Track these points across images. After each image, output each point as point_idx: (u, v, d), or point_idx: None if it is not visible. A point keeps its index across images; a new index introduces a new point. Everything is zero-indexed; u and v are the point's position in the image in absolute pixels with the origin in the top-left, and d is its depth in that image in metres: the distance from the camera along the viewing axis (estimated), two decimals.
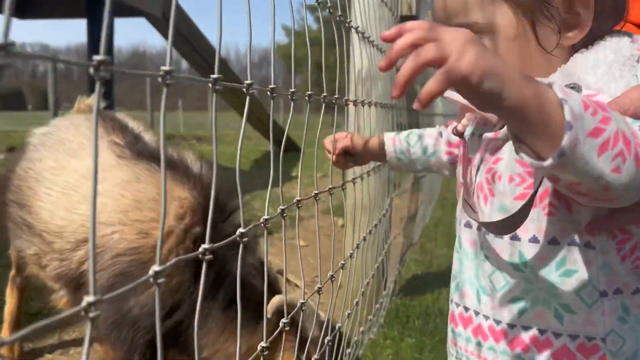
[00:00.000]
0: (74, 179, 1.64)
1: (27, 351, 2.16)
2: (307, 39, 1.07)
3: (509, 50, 0.72)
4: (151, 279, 0.54)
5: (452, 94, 0.77)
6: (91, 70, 0.41)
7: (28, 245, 1.73)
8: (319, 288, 1.16)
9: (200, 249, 0.62)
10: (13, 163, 1.92)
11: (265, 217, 0.83)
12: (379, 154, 1.16)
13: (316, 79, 1.65)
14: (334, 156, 1.13)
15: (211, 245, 0.63)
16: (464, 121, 0.86)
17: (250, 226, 0.79)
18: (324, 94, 1.09)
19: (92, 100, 2.09)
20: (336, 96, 1.16)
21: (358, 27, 1.80)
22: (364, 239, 1.69)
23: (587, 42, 0.70)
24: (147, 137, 1.84)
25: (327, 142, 1.16)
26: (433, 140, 1.10)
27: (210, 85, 0.61)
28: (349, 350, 1.87)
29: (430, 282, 2.94)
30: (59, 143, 1.79)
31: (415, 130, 1.15)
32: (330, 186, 1.15)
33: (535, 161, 0.51)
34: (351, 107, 1.81)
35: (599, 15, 0.69)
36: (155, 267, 0.53)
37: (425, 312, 2.49)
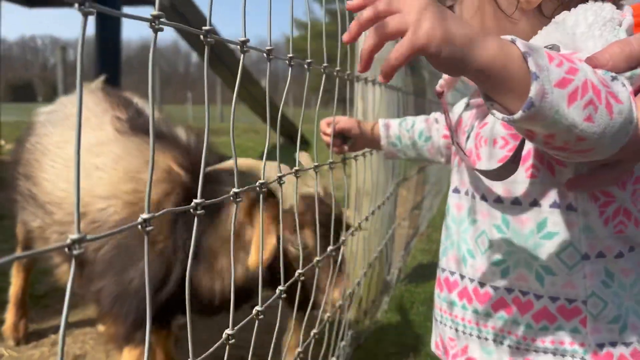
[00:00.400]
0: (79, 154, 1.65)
1: (31, 332, 2.17)
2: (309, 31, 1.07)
3: (475, 17, 0.74)
4: (139, 227, 0.55)
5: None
6: (76, 5, 0.41)
7: (33, 218, 1.75)
8: (317, 261, 1.17)
9: (192, 204, 0.62)
10: (22, 138, 1.95)
11: (262, 181, 0.83)
12: (374, 140, 1.15)
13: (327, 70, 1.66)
14: (330, 137, 1.12)
15: (203, 200, 0.63)
16: (441, 81, 0.86)
17: (246, 188, 0.79)
18: (324, 64, 1.08)
19: (95, 84, 2.09)
20: (337, 68, 1.15)
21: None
22: (366, 219, 1.69)
23: (570, 6, 0.70)
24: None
25: (324, 123, 1.16)
26: (428, 125, 1.10)
27: (202, 37, 0.61)
28: (350, 332, 1.88)
29: (435, 271, 2.92)
30: (64, 119, 1.81)
31: (410, 117, 1.15)
32: (331, 160, 1.15)
33: (507, 116, 0.51)
34: (359, 99, 1.80)
35: None
36: (144, 215, 0.54)
37: (430, 299, 2.47)
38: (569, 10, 0.69)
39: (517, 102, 0.49)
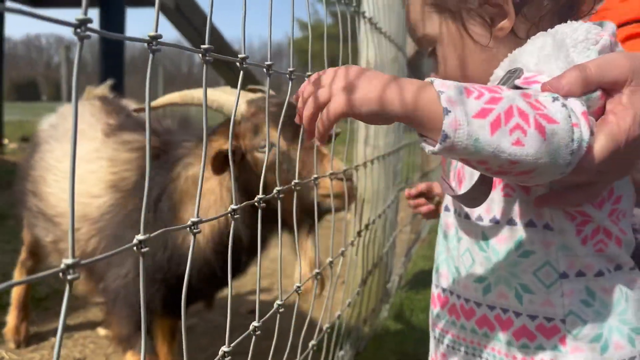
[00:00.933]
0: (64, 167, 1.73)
1: (32, 334, 2.18)
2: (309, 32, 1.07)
3: (455, 53, 0.75)
4: (135, 248, 0.56)
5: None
6: (72, 29, 0.42)
7: (45, 233, 1.79)
8: (317, 273, 1.17)
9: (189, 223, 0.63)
10: (29, 154, 2.00)
11: (260, 196, 0.83)
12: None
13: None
14: (414, 200, 1.12)
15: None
16: None
17: (243, 204, 0.80)
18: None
19: (100, 90, 2.17)
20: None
21: (371, 17, 1.80)
22: (367, 228, 1.69)
23: (545, 27, 0.70)
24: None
25: (406, 191, 1.17)
26: None
27: (200, 55, 0.61)
28: (349, 340, 1.88)
29: None
30: (64, 133, 1.85)
31: None
32: (331, 171, 1.16)
33: (431, 148, 0.54)
34: None
35: (525, 3, 0.70)
36: (140, 237, 0.54)
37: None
38: (546, 30, 0.70)
39: (437, 136, 0.53)
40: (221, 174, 1.35)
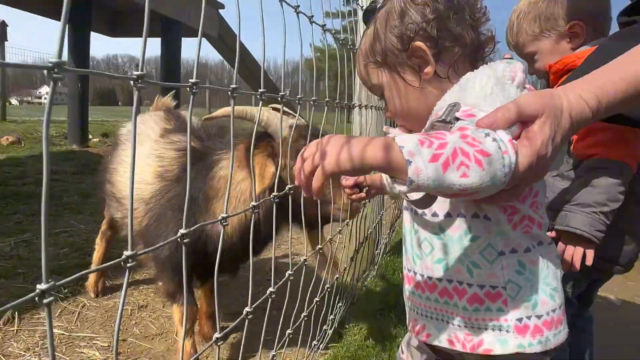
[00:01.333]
0: (137, 159, 1.71)
1: (107, 287, 2.20)
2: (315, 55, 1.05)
3: (397, 94, 0.77)
4: (179, 239, 0.54)
5: (391, 131, 0.82)
6: (131, 82, 0.40)
7: (115, 211, 1.84)
8: (320, 248, 1.16)
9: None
10: (109, 152, 2.03)
11: (290, 185, 0.82)
12: (381, 187, 1.08)
13: (334, 85, 1.67)
14: (350, 190, 1.06)
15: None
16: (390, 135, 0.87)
17: (260, 201, 0.78)
18: (327, 99, 1.07)
19: (167, 99, 2.18)
20: (337, 100, 1.13)
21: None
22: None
23: (458, 68, 0.73)
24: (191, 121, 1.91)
25: (343, 180, 1.10)
26: None
27: (229, 92, 0.63)
28: (345, 294, 1.87)
29: None
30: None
31: None
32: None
33: (402, 188, 0.55)
34: (356, 108, 1.78)
35: (443, 50, 0.72)
36: (182, 230, 0.53)
37: None
38: (461, 68, 0.72)
39: (405, 179, 0.53)
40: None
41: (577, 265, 1.02)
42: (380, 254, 2.56)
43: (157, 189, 1.56)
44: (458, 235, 0.74)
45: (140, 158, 1.63)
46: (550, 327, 0.72)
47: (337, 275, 1.42)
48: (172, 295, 1.51)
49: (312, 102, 0.93)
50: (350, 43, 1.25)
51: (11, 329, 1.76)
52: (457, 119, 0.62)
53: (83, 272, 0.38)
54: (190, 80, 0.47)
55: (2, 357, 1.59)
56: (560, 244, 1.05)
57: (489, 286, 0.72)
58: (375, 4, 0.80)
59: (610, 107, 0.60)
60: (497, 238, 0.71)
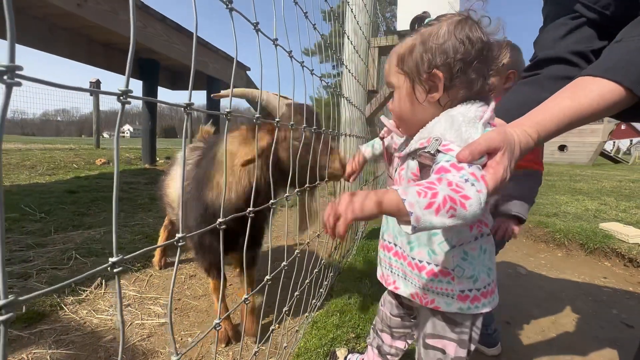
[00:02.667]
0: (179, 174, 1.61)
1: (169, 262, 2.14)
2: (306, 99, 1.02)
3: (403, 99, 0.69)
4: (217, 225, 0.50)
5: (384, 120, 0.75)
6: (116, 98, 0.33)
7: (171, 214, 1.73)
8: (318, 234, 1.13)
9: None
10: (166, 170, 1.89)
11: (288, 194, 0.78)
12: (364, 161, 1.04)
13: (326, 123, 1.64)
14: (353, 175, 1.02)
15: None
16: (382, 132, 0.83)
17: (277, 200, 0.75)
18: (323, 129, 1.05)
19: (208, 127, 1.92)
20: (329, 130, 1.11)
21: (347, 96, 1.77)
22: None
23: (453, 103, 0.65)
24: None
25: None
26: (378, 143, 1.01)
27: (225, 116, 0.56)
28: (334, 268, 1.84)
29: None
30: (181, 160, 1.74)
31: (371, 142, 1.05)
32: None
33: (408, 228, 0.51)
34: (342, 137, 1.75)
35: (452, 87, 0.64)
36: (220, 219, 0.50)
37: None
38: (453, 105, 0.65)
39: (408, 222, 0.50)
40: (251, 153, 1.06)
41: (515, 236, 1.09)
42: (359, 239, 2.53)
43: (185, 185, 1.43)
44: None
45: (178, 174, 1.55)
46: (486, 296, 0.70)
47: (318, 229, 1.19)
48: (207, 271, 1.39)
49: (306, 129, 0.90)
50: (338, 91, 1.24)
51: (100, 291, 1.71)
52: (439, 151, 0.59)
53: (143, 249, 0.35)
54: (185, 102, 0.43)
55: (93, 312, 1.54)
56: (498, 222, 1.09)
57: (442, 267, 0.70)
58: (426, 15, 0.68)
59: (546, 137, 0.59)
60: (452, 235, 0.69)
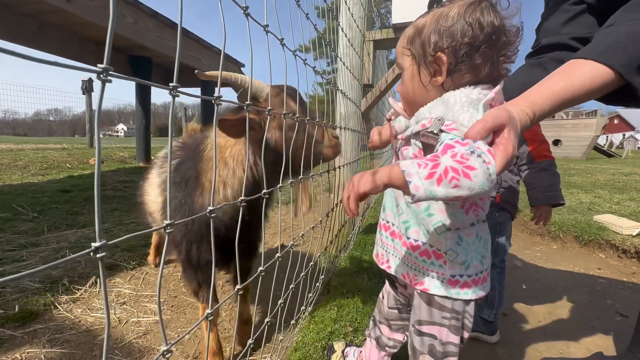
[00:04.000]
0: (154, 183, 1.38)
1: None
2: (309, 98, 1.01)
3: (410, 80, 0.69)
4: (207, 214, 0.49)
5: (392, 102, 0.73)
6: (95, 75, 0.31)
7: (150, 222, 1.39)
8: (313, 226, 1.12)
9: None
10: (144, 177, 1.57)
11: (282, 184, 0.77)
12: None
13: (324, 117, 1.63)
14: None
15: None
16: (389, 114, 0.82)
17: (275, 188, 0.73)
18: (325, 121, 1.04)
19: (194, 123, 1.73)
20: (326, 121, 1.10)
21: (343, 90, 1.75)
22: (336, 205, 1.64)
23: (457, 87, 0.64)
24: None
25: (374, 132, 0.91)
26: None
27: (213, 101, 0.51)
28: (333, 261, 1.83)
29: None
30: (159, 164, 1.47)
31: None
32: (322, 171, 1.10)
33: (409, 199, 0.52)
34: (337, 130, 1.73)
35: (456, 71, 0.63)
36: (210, 207, 0.48)
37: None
38: (455, 90, 0.64)
39: (410, 193, 0.51)
40: (239, 137, 0.91)
41: (547, 223, 1.28)
42: (355, 234, 2.52)
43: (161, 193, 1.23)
44: (420, 209, 0.71)
45: (153, 180, 1.33)
46: (477, 283, 0.69)
47: (310, 210, 1.06)
48: (195, 293, 1.12)
49: (283, 117, 0.86)
50: (333, 85, 1.23)
51: (95, 290, 1.69)
52: (442, 131, 0.58)
53: (125, 237, 0.34)
54: (171, 84, 0.41)
55: (88, 310, 1.52)
56: (535, 210, 1.28)
57: (436, 248, 0.69)
58: None
59: (541, 116, 0.59)
60: (447, 218, 0.68)
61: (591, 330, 1.55)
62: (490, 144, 0.54)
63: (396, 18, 2.09)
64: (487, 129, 0.53)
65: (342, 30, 1.90)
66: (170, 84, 0.39)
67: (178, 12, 0.39)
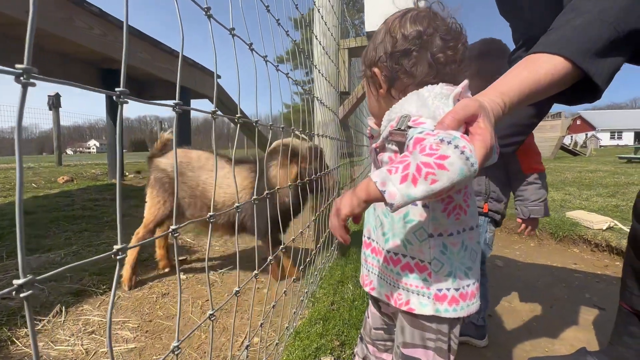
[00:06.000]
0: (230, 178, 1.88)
1: (137, 281, 1.99)
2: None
3: (368, 96, 0.73)
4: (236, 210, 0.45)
5: (369, 119, 0.74)
6: (114, 97, 0.31)
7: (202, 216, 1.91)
8: (313, 219, 1.08)
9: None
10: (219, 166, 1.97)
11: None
12: None
13: (303, 127, 1.64)
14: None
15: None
16: (368, 130, 0.81)
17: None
18: (301, 129, 1.01)
19: (167, 134, 1.96)
20: (307, 131, 1.07)
21: (320, 98, 1.74)
22: (322, 210, 1.61)
23: (407, 91, 0.65)
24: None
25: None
26: None
27: (211, 115, 0.53)
28: (319, 267, 1.79)
29: None
30: (199, 165, 1.94)
31: None
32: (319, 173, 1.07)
33: (388, 208, 0.50)
34: (315, 138, 1.71)
35: (395, 79, 0.65)
36: (237, 203, 0.44)
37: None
38: (417, 89, 0.63)
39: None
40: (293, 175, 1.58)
41: (532, 233, 1.29)
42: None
43: (247, 193, 1.72)
44: (399, 217, 0.67)
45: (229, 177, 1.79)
46: (465, 298, 0.65)
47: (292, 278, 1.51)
48: (268, 248, 1.67)
49: (281, 129, 0.86)
50: (310, 93, 1.21)
51: (59, 320, 1.55)
52: (409, 127, 0.56)
53: (59, 269, 0.29)
54: (174, 101, 0.39)
55: (51, 343, 1.39)
56: (521, 221, 1.30)
57: (418, 259, 0.65)
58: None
59: (511, 106, 0.59)
60: (429, 222, 0.64)
61: (573, 326, 1.58)
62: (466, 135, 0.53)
63: (369, 26, 2.11)
64: (457, 120, 0.51)
65: (317, 39, 1.89)
66: (173, 101, 0.36)
67: (154, 39, 0.35)
